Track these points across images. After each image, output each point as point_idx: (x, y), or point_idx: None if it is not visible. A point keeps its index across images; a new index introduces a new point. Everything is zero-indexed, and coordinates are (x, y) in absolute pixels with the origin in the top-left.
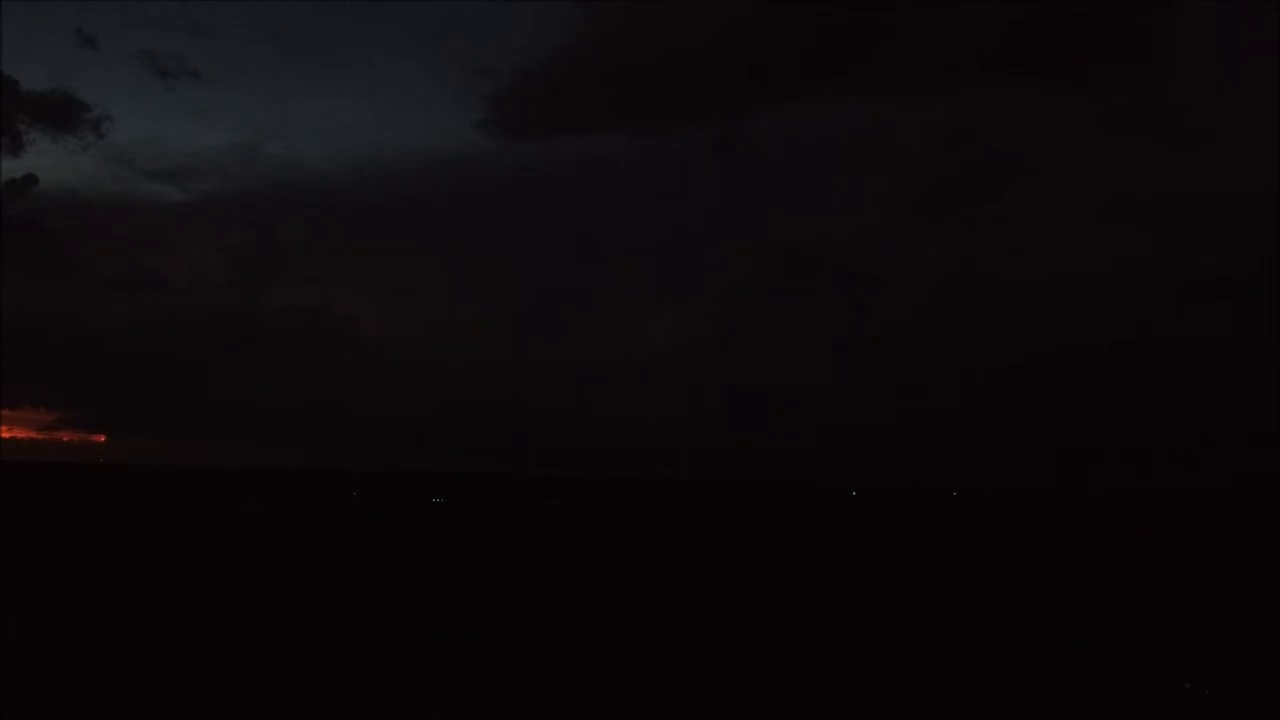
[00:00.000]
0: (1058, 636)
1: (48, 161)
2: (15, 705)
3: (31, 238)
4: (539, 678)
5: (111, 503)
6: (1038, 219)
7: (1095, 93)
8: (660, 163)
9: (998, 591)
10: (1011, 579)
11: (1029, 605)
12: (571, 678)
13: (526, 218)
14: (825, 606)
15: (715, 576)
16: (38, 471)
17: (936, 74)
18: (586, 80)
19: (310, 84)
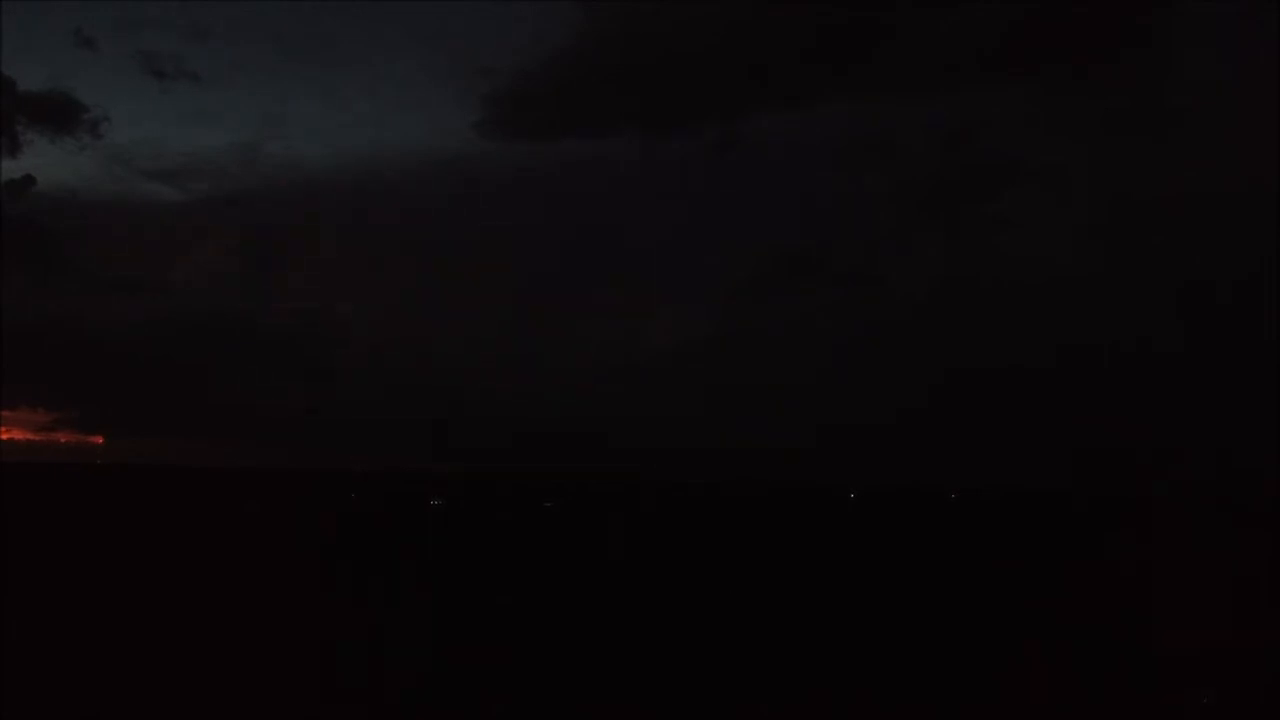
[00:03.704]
0: (1058, 636)
1: (46, 162)
2: (15, 705)
3: (30, 238)
4: (537, 678)
5: (110, 504)
6: (1038, 219)
7: (1095, 93)
8: (660, 163)
9: (998, 592)
10: (1012, 579)
11: (1029, 605)
12: (569, 678)
13: (526, 218)
14: (825, 607)
15: (714, 576)
16: (36, 472)
17: (936, 74)
18: (586, 80)
19: (310, 84)
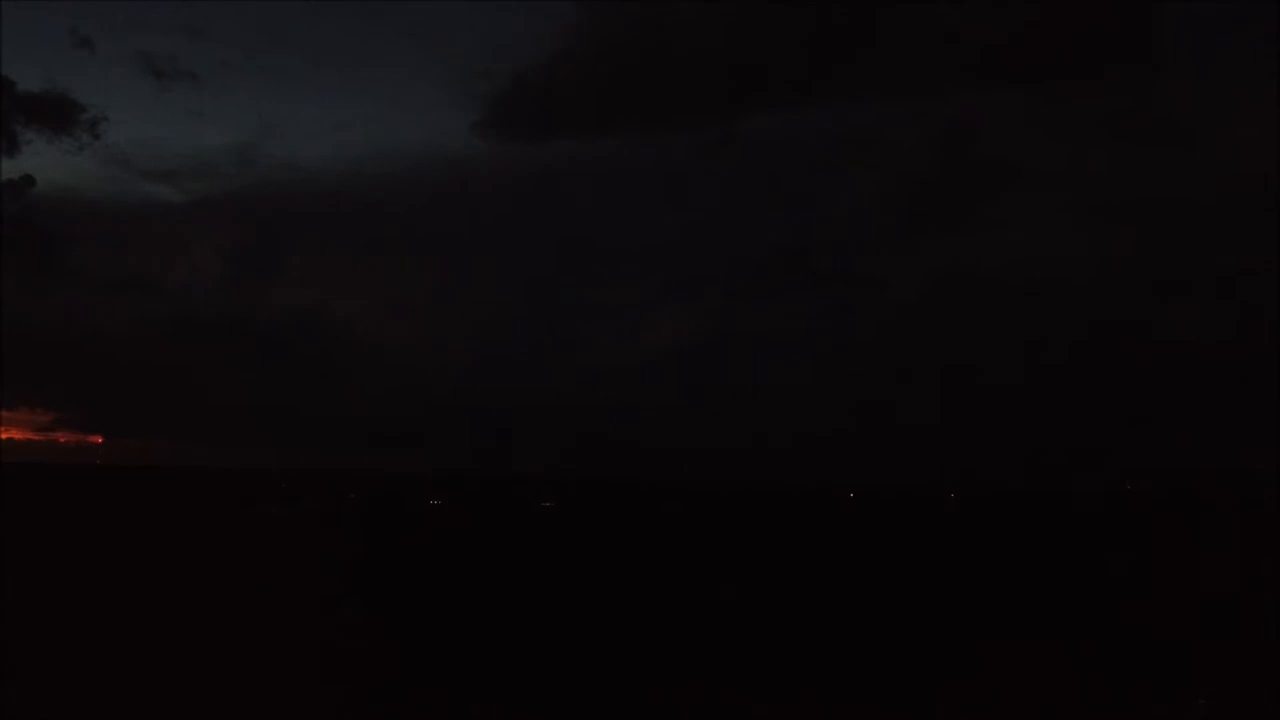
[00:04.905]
0: (1057, 637)
1: (44, 162)
2: (15, 706)
3: (29, 238)
4: (535, 679)
5: (108, 504)
6: (1036, 221)
7: (1093, 94)
8: (659, 164)
9: (995, 592)
10: (1009, 580)
11: (1027, 606)
12: (567, 679)
13: (524, 219)
14: (822, 607)
15: (711, 577)
16: (35, 472)
17: (935, 76)
18: (585, 81)
19: (309, 84)
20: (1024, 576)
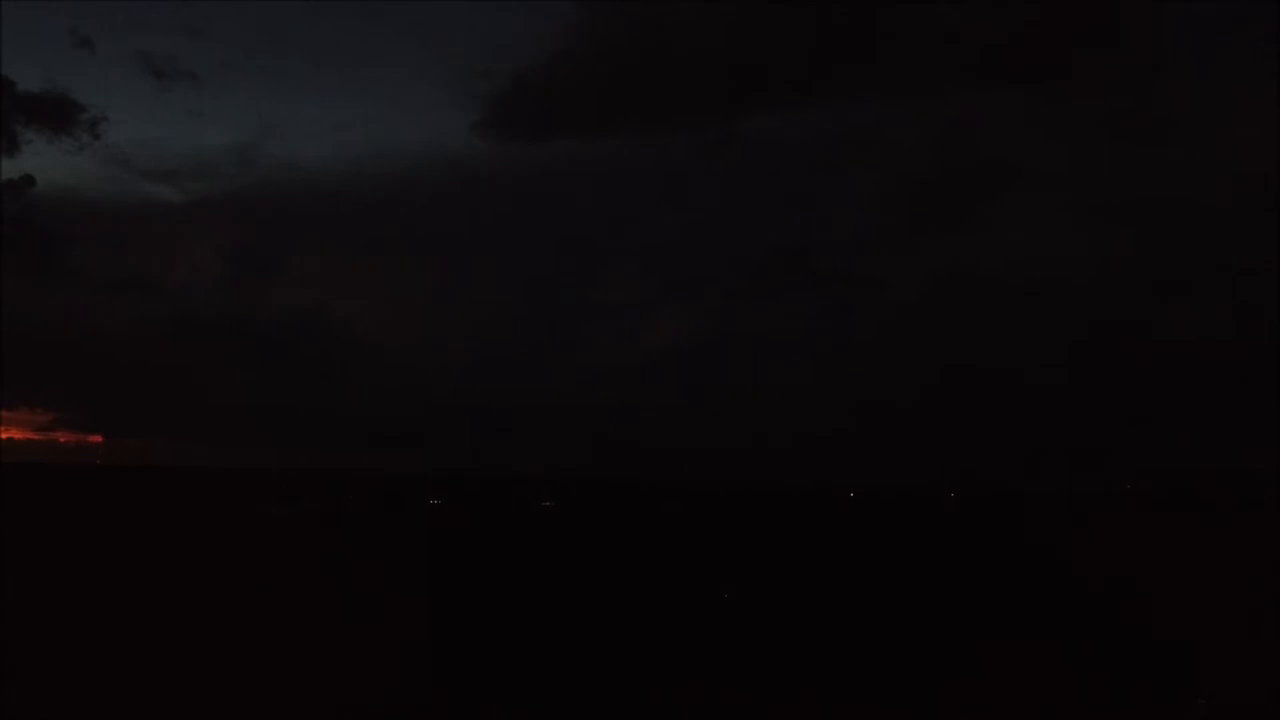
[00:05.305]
0: (1057, 637)
1: (44, 162)
2: (15, 706)
3: (29, 238)
4: (536, 679)
5: (108, 504)
6: (1036, 221)
7: (1093, 95)
8: (659, 164)
9: (994, 592)
10: (1009, 580)
11: (1026, 606)
12: (568, 679)
13: (524, 219)
14: (821, 606)
15: (711, 578)
16: (35, 472)
17: (935, 76)
18: (585, 81)
19: (309, 84)
20: (1024, 576)
